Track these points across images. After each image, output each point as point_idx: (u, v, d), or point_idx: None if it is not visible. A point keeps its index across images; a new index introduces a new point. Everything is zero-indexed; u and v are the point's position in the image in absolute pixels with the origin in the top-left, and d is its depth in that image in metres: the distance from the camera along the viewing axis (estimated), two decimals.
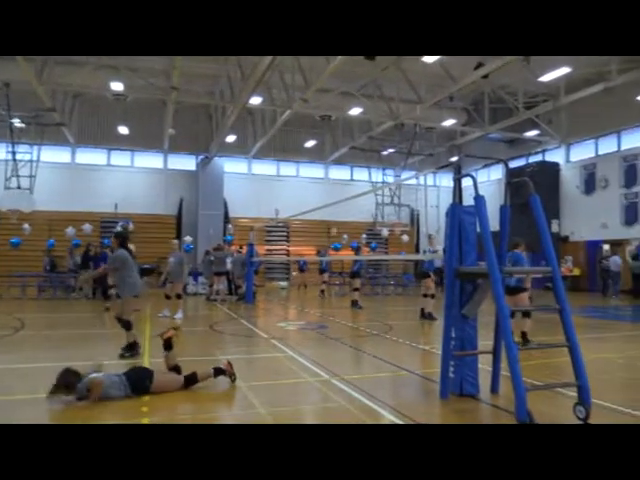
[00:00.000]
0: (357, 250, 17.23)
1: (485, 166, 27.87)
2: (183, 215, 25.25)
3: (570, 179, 23.64)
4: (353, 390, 5.44)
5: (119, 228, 21.62)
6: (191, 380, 5.42)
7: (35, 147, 21.42)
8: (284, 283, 25.56)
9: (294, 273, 23.31)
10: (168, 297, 12.43)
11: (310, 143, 26.47)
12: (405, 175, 25.95)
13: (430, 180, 27.41)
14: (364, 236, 25.25)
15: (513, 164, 24.82)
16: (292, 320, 12.86)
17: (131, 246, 12.80)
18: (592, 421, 4.18)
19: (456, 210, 5.28)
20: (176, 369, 5.51)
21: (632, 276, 18.65)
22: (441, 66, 16.58)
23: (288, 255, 26.44)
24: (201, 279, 19.49)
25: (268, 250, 26.13)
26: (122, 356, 7.10)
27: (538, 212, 4.76)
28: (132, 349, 7.22)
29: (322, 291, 19.58)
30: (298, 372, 6.49)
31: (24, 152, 21.07)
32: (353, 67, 17.42)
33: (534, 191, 4.86)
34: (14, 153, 20.36)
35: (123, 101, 20.43)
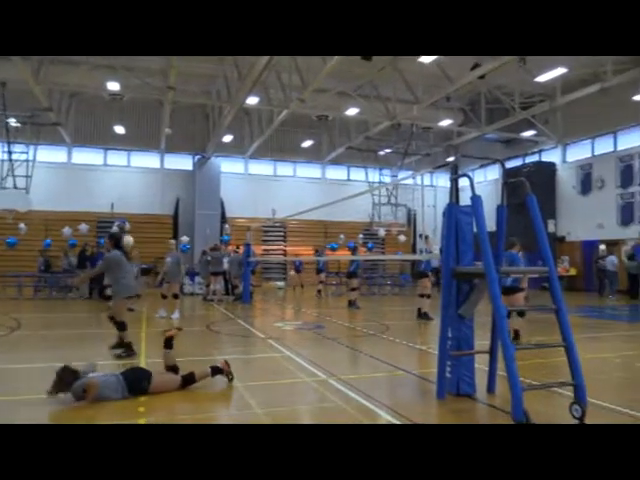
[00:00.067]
0: (354, 250, 17.24)
1: (482, 166, 27.92)
2: (180, 215, 25.21)
3: (566, 179, 23.70)
4: (350, 390, 5.44)
5: (115, 228, 21.59)
6: (189, 380, 5.41)
7: (31, 147, 21.34)
8: (281, 283, 25.54)
9: (291, 272, 23.28)
10: (165, 297, 12.42)
11: (307, 143, 26.46)
12: (402, 175, 25.99)
13: (427, 180, 27.39)
14: (361, 236, 25.24)
15: (510, 164, 24.88)
16: (289, 320, 12.86)
17: (129, 238, 12.80)
18: (588, 420, 4.19)
19: (453, 210, 5.28)
20: (173, 369, 5.50)
21: (628, 276, 18.70)
22: (438, 66, 16.59)
23: (285, 255, 26.43)
24: (198, 279, 19.47)
25: (265, 250, 26.12)
26: (119, 356, 7.09)
27: (535, 212, 4.77)
28: (128, 349, 7.21)
29: (319, 291, 19.58)
30: (295, 372, 6.49)
31: (20, 152, 20.99)
32: (350, 67, 17.42)
33: (530, 191, 4.88)
34: (10, 153, 20.28)
35: (119, 101, 20.40)
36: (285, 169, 27.87)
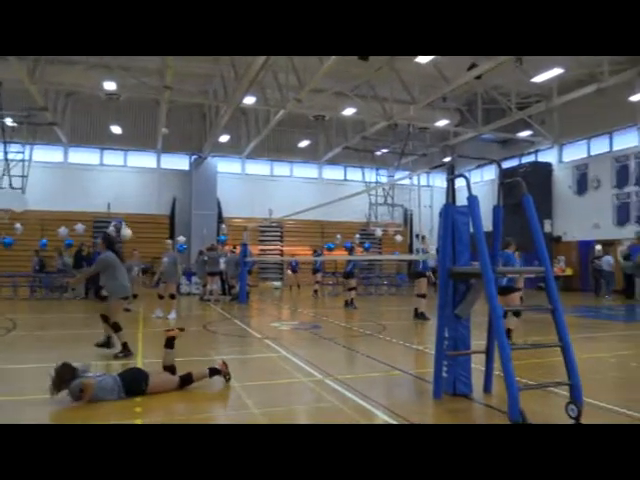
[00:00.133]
0: (351, 250, 17.25)
1: (478, 166, 27.97)
2: (176, 215, 25.19)
3: (562, 179, 23.76)
4: (347, 390, 5.44)
5: (112, 228, 21.57)
6: (186, 380, 5.40)
7: (27, 146, 21.29)
8: (278, 283, 25.53)
9: (288, 272, 23.26)
10: (161, 297, 12.40)
11: (304, 143, 26.46)
12: (398, 175, 26.00)
13: (423, 180, 27.42)
14: (357, 236, 25.26)
15: (506, 164, 24.92)
16: (285, 320, 12.86)
17: (127, 230, 12.72)
18: (584, 420, 4.20)
19: (449, 210, 5.29)
20: (171, 369, 5.49)
21: (623, 276, 18.76)
22: (434, 67, 16.62)
23: (282, 255, 26.43)
24: (195, 279, 19.45)
25: (262, 250, 26.10)
26: (116, 357, 7.08)
27: (531, 212, 4.78)
28: (125, 349, 7.20)
29: (315, 291, 19.58)
30: (292, 372, 6.49)
31: (16, 152, 20.94)
32: (347, 67, 17.43)
33: (527, 191, 4.88)
34: (6, 152, 20.23)
35: (116, 100, 20.38)
36: (282, 169, 27.87)
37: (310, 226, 26.39)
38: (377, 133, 23.49)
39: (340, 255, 22.80)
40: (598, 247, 19.98)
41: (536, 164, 24.59)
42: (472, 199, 4.86)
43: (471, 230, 5.09)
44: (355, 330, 10.54)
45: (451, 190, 5.37)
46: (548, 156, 24.68)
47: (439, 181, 26.60)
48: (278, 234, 27.10)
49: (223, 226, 23.99)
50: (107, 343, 7.41)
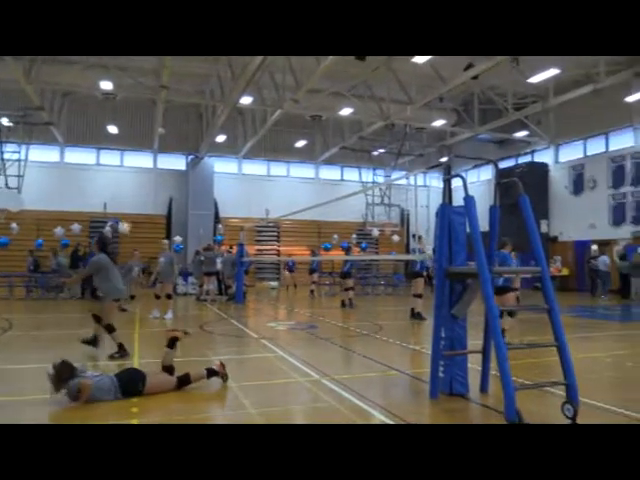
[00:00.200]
0: (347, 250, 17.25)
1: (475, 167, 28.02)
2: (173, 215, 25.16)
3: (559, 180, 23.82)
4: (343, 390, 5.44)
5: (108, 227, 21.52)
6: (184, 381, 5.39)
7: (23, 146, 21.25)
8: (274, 283, 25.52)
9: (285, 273, 23.25)
10: (158, 297, 12.38)
11: (300, 143, 26.46)
12: (395, 175, 26.06)
13: (420, 180, 27.46)
14: (354, 236, 25.29)
15: (502, 165, 24.97)
16: (282, 320, 12.85)
17: (125, 226, 12.66)
18: (580, 420, 4.21)
19: (446, 210, 5.29)
20: (169, 369, 5.48)
21: (619, 276, 18.82)
22: (431, 67, 16.64)
23: (278, 255, 26.42)
24: (191, 279, 19.43)
25: (258, 250, 26.10)
26: (112, 357, 7.07)
27: (527, 212, 4.79)
28: (121, 350, 7.18)
29: (312, 291, 19.58)
30: (288, 372, 6.49)
31: (12, 151, 20.89)
32: (344, 67, 17.44)
33: (523, 191, 4.89)
34: (2, 152, 20.18)
35: (112, 100, 20.35)
36: (278, 169, 27.87)
37: (307, 226, 26.41)
38: (374, 133, 23.50)
39: (337, 255, 22.82)
40: (594, 247, 20.04)
41: (532, 164, 24.65)
42: (469, 199, 4.86)
43: (467, 230, 5.10)
44: (352, 330, 10.54)
45: (448, 190, 5.38)
46: (544, 156, 24.74)
47: (436, 181, 26.69)
48: (275, 234, 27.10)
49: (220, 226, 23.98)
50: (94, 342, 7.39)
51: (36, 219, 22.36)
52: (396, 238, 25.25)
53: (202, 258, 16.85)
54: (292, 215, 16.16)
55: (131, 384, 5.09)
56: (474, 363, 5.53)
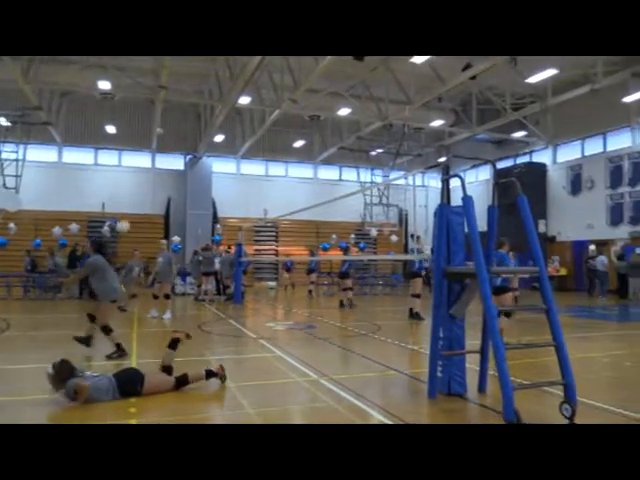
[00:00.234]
0: (346, 250, 17.25)
1: (473, 167, 28.05)
2: (171, 215, 25.14)
3: (557, 180, 23.85)
4: (342, 390, 5.44)
5: (106, 227, 21.53)
6: (182, 382, 5.39)
7: (21, 146, 21.24)
8: (273, 283, 25.52)
9: (285, 275, 23.23)
10: (156, 297, 12.38)
11: (299, 143, 26.46)
12: (393, 175, 26.06)
13: (418, 180, 27.50)
14: (352, 236, 25.30)
15: (501, 165, 25.02)
16: (280, 320, 12.85)
17: (124, 224, 12.57)
18: (578, 419, 4.22)
19: (444, 210, 5.30)
20: (168, 369, 5.48)
21: (617, 276, 18.85)
22: (430, 67, 16.65)
23: (277, 255, 26.42)
24: (189, 279, 19.42)
25: (257, 250, 26.09)
26: (109, 357, 7.06)
27: (525, 212, 4.79)
28: (119, 349, 7.18)
29: (310, 291, 19.58)
30: (287, 372, 6.49)
31: (10, 151, 20.87)
32: (342, 67, 17.45)
33: (521, 192, 4.90)
34: (0, 152, 20.15)
35: (111, 100, 20.30)
36: (277, 169, 27.86)
37: (305, 226, 26.41)
38: (372, 133, 23.51)
39: (335, 255, 22.83)
40: (592, 247, 20.08)
41: (530, 164, 24.69)
42: (467, 199, 4.87)
43: (466, 230, 5.10)
44: (350, 330, 10.54)
45: (446, 190, 5.38)
46: (542, 156, 24.78)
47: (434, 181, 26.70)
48: (273, 234, 27.09)
49: (218, 226, 23.98)
50: (87, 341, 7.39)
51: (34, 219, 22.33)
52: (394, 238, 25.27)
53: (200, 258, 16.85)
54: (290, 215, 16.15)
55: (129, 384, 5.08)
56: (472, 363, 5.54)
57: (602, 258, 18.99)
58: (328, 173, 28.64)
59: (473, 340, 5.66)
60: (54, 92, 21.51)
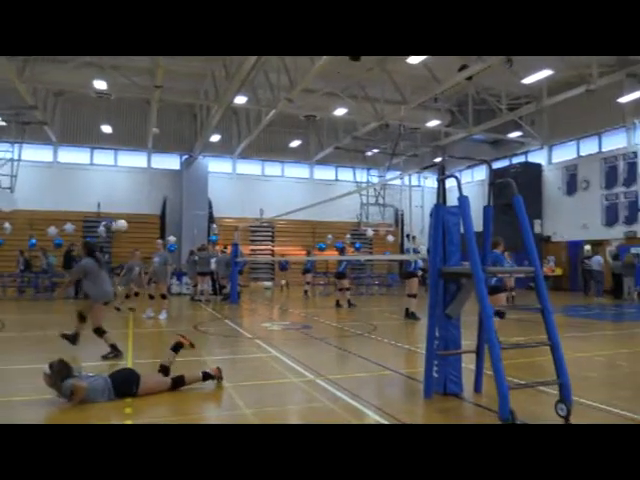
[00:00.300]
0: (342, 250, 17.26)
1: (469, 167, 28.11)
2: (167, 215, 25.06)
3: (552, 180, 23.92)
4: (338, 390, 5.44)
5: (102, 227, 21.48)
6: (178, 383, 5.38)
7: (16, 145, 21.13)
8: (269, 283, 25.50)
9: (283, 282, 23.19)
10: (152, 297, 12.36)
11: (295, 143, 26.44)
12: (389, 175, 26.07)
13: (414, 180, 27.50)
14: (348, 236, 25.31)
15: (496, 165, 25.07)
16: (276, 320, 12.85)
17: (122, 222, 12.41)
18: (573, 418, 4.24)
19: (440, 210, 5.31)
20: (166, 370, 5.47)
21: (612, 276, 18.92)
22: (425, 67, 16.67)
23: (273, 255, 26.40)
24: (185, 279, 19.40)
25: (253, 250, 26.06)
26: (105, 357, 7.05)
27: (521, 212, 4.81)
28: (114, 350, 7.16)
29: (306, 291, 19.58)
30: (283, 372, 6.48)
31: (5, 150, 20.77)
32: (338, 68, 17.43)
33: (517, 192, 4.91)
34: None
35: (106, 99, 20.24)
36: (273, 169, 27.84)
37: (301, 226, 26.39)
38: (368, 133, 23.51)
39: (331, 255, 22.83)
40: (587, 247, 20.15)
41: (526, 165, 24.75)
42: (463, 199, 4.88)
43: (461, 230, 5.11)
44: (346, 330, 10.54)
45: (442, 190, 5.39)
46: (538, 157, 24.84)
47: (430, 181, 26.61)
48: (269, 234, 27.06)
49: (214, 226, 23.94)
50: (73, 338, 7.37)
51: (29, 219, 22.22)
52: (390, 238, 25.28)
53: (196, 258, 16.84)
54: (286, 215, 16.15)
55: (125, 385, 5.07)
56: (468, 363, 5.55)
57: (598, 258, 19.05)
58: (324, 173, 28.63)
59: (469, 340, 5.67)
60: (49, 91, 21.42)
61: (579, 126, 22.24)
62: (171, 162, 25.94)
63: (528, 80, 17.47)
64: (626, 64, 17.21)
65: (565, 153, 23.53)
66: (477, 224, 4.71)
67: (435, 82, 17.19)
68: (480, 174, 27.40)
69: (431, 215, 5.44)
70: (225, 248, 18.46)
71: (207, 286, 16.62)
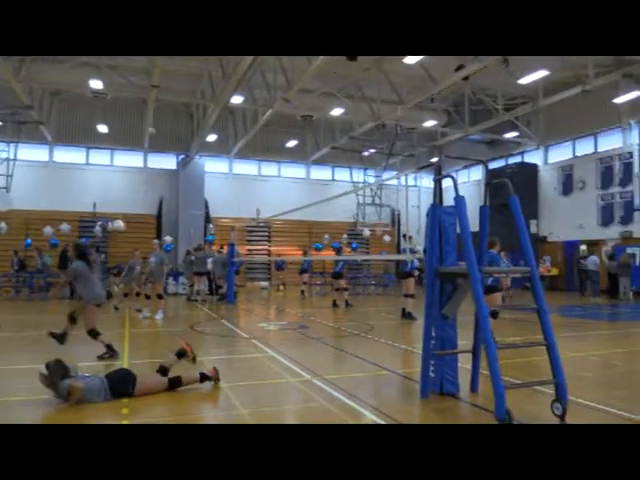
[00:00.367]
0: (339, 250, 17.26)
1: (465, 167, 28.15)
2: (163, 215, 25.01)
3: (548, 180, 23.98)
4: (334, 390, 5.45)
5: (98, 227, 21.44)
6: (175, 384, 5.37)
7: (12, 145, 21.07)
8: (265, 283, 25.48)
9: (280, 286, 23.19)
10: (148, 297, 12.34)
11: (291, 143, 26.43)
12: (386, 175, 26.10)
13: (411, 181, 27.56)
14: (345, 236, 25.31)
15: (493, 165, 25.13)
16: (273, 320, 12.84)
17: (120, 222, 12.38)
18: (569, 418, 4.25)
19: (436, 210, 5.31)
20: (164, 370, 5.46)
21: (608, 276, 18.97)
22: (422, 67, 16.69)
23: (269, 255, 26.38)
24: (182, 279, 19.37)
25: (249, 250, 26.04)
26: (100, 357, 7.04)
27: (517, 212, 4.82)
28: (110, 350, 7.15)
29: (302, 292, 19.57)
30: (279, 372, 6.48)
31: (0, 150, 20.72)
32: (335, 68, 17.44)
33: (513, 192, 4.92)
34: None
35: (102, 99, 20.20)
36: (269, 169, 27.81)
37: (298, 226, 26.38)
38: (365, 133, 23.52)
39: (328, 255, 22.84)
40: (583, 247, 20.20)
41: (522, 165, 24.80)
42: (459, 199, 4.88)
43: (458, 230, 5.12)
44: (343, 330, 10.55)
45: (438, 190, 5.40)
46: (534, 157, 24.90)
47: (426, 181, 26.78)
48: (266, 234, 27.04)
49: (211, 226, 23.92)
50: (61, 338, 7.34)
51: (25, 219, 22.16)
52: (387, 238, 25.30)
53: (193, 258, 16.81)
54: (283, 215, 16.14)
55: (121, 385, 5.07)
56: (464, 362, 5.56)
57: (594, 258, 19.10)
58: (321, 173, 28.62)
59: (465, 340, 5.68)
60: (45, 91, 21.36)
61: (575, 126, 22.31)
62: (167, 162, 25.90)
63: (524, 80, 17.51)
64: (622, 64, 17.26)
65: (561, 153, 23.59)
66: (473, 224, 4.72)
67: (431, 82, 17.22)
68: (476, 174, 27.45)
69: (427, 215, 5.45)
70: (221, 248, 18.44)
71: (203, 286, 16.60)
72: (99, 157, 24.92)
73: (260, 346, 8.27)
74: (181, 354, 5.76)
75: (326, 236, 24.47)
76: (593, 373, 6.69)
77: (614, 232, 20.64)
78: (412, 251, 10.22)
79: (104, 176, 24.52)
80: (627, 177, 20.29)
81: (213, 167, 26.12)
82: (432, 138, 26.59)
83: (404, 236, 11.24)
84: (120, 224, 20.16)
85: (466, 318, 5.93)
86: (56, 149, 24.21)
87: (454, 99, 23.29)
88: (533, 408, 4.81)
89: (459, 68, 15.84)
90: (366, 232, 25.22)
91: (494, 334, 4.31)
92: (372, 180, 27.63)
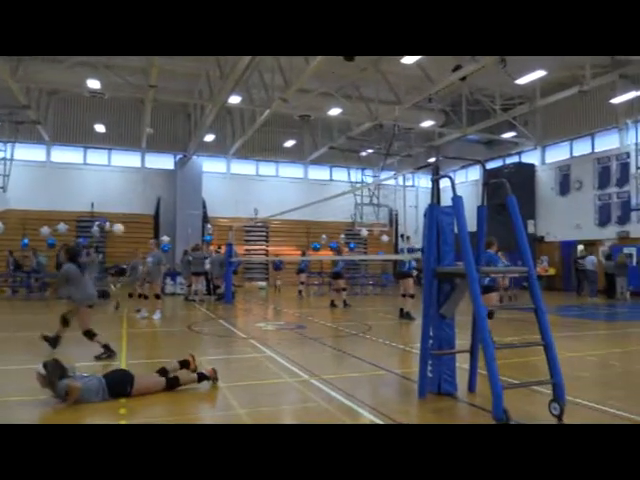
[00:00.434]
0: (337, 250, 17.26)
1: (463, 167, 28.17)
2: (161, 214, 24.99)
3: (545, 180, 24.02)
4: (332, 390, 5.45)
5: (95, 227, 21.40)
6: (173, 384, 5.37)
7: (9, 145, 21.03)
8: (263, 283, 25.47)
9: (278, 283, 23.19)
10: (146, 297, 12.32)
11: (289, 143, 26.43)
12: (384, 175, 26.10)
13: (409, 181, 27.51)
14: (343, 236, 25.31)
15: (490, 165, 25.17)
16: (271, 320, 12.84)
17: (119, 226, 12.38)
18: (566, 418, 4.26)
19: (434, 211, 5.32)
20: (163, 372, 5.45)
21: (605, 276, 19.01)
22: (419, 67, 16.71)
23: (267, 255, 26.37)
24: (179, 279, 19.35)
25: (247, 250, 26.02)
26: (98, 357, 7.02)
27: (514, 212, 4.82)
28: (107, 350, 7.13)
29: (300, 292, 19.57)
30: (277, 372, 6.48)
31: None
32: (332, 68, 17.44)
33: (511, 192, 4.93)
34: None
35: (100, 99, 20.15)
36: (267, 169, 27.80)
37: (296, 226, 26.37)
38: (362, 133, 23.54)
39: (325, 255, 22.83)
40: (580, 247, 20.23)
41: (520, 165, 24.84)
42: (457, 199, 4.89)
43: (455, 230, 5.12)
44: (341, 330, 10.55)
45: (436, 190, 5.40)
46: (531, 157, 24.94)
47: (424, 181, 26.71)
48: (264, 234, 27.03)
49: (208, 226, 23.89)
50: (54, 341, 7.35)
51: (22, 219, 22.12)
52: (385, 238, 25.31)
53: (190, 258, 16.79)
54: (281, 215, 16.13)
55: (119, 386, 5.06)
56: (462, 362, 5.56)
57: (592, 258, 19.12)
58: (318, 173, 28.62)
59: (463, 340, 5.69)
60: (42, 90, 21.32)
61: (572, 127, 22.36)
62: (165, 162, 25.88)
63: (522, 81, 17.53)
64: (619, 65, 17.31)
65: (558, 153, 23.63)
66: (471, 224, 4.73)
67: (429, 82, 17.23)
68: (474, 174, 27.47)
69: (425, 215, 5.45)
70: (219, 248, 18.43)
71: (201, 286, 16.59)
72: (96, 157, 24.88)
73: (258, 346, 8.27)
74: (185, 363, 5.76)
75: (324, 236, 24.46)
76: (590, 373, 6.70)
77: (611, 232, 20.68)
78: (410, 251, 10.21)
79: (101, 176, 24.49)
80: (624, 177, 20.33)
81: (211, 167, 26.11)
82: (430, 138, 26.61)
83: (402, 236, 11.23)
84: (120, 228, 20.16)
85: (464, 318, 5.93)
86: (53, 149, 24.18)
87: (452, 99, 23.31)
88: (531, 408, 4.81)
89: (456, 68, 15.86)
90: (364, 232, 25.22)
91: (492, 334, 4.31)
92: (370, 180, 27.63)
